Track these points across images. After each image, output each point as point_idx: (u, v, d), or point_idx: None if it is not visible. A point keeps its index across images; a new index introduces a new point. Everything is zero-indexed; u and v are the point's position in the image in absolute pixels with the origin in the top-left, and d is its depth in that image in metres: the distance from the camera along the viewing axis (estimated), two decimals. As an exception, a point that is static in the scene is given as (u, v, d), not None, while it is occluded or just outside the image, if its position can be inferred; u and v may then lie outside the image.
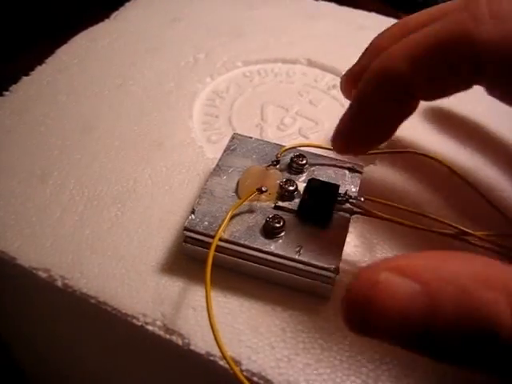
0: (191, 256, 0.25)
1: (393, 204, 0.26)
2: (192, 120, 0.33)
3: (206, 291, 0.21)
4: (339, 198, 0.25)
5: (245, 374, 0.22)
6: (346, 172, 0.27)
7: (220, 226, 0.23)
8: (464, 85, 0.23)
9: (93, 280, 0.25)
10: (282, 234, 0.24)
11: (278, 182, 0.26)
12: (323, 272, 0.23)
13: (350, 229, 0.26)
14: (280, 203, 0.25)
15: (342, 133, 0.26)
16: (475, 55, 0.21)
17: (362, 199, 0.25)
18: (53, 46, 0.39)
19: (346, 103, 0.35)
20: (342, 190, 0.25)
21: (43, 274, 0.25)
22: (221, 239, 0.23)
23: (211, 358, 0.22)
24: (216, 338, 0.20)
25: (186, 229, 0.24)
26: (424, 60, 0.22)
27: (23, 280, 0.27)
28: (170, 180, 0.29)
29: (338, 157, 0.28)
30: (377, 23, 0.43)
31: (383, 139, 0.26)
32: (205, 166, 0.30)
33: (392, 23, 0.41)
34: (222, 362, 0.22)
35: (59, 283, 0.25)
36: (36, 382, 0.44)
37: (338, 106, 0.35)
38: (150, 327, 0.23)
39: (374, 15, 0.45)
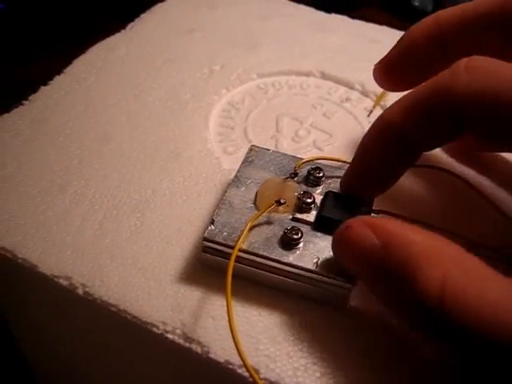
0: (209, 266, 0.25)
1: (407, 217, 0.26)
2: (208, 131, 0.34)
3: (227, 301, 0.22)
4: (355, 211, 0.25)
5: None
6: None
7: (240, 236, 0.24)
8: (452, 136, 0.24)
9: (113, 288, 0.25)
10: (300, 245, 0.24)
11: (296, 194, 0.26)
12: (340, 283, 0.23)
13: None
14: (297, 215, 0.25)
15: (349, 182, 0.27)
16: (454, 107, 0.23)
17: (378, 213, 0.26)
18: (70, 56, 0.40)
19: (359, 116, 0.36)
20: (357, 203, 0.26)
21: (64, 282, 0.26)
22: (240, 249, 0.24)
23: (230, 367, 0.23)
24: (237, 347, 0.21)
25: (205, 239, 0.25)
26: (414, 113, 0.24)
27: (44, 287, 0.27)
28: (188, 190, 0.30)
29: None
30: (388, 36, 0.44)
31: (385, 187, 0.26)
32: (221, 176, 0.30)
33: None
34: (240, 371, 0.23)
35: (80, 291, 0.25)
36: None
37: (351, 118, 0.35)
38: (169, 335, 0.24)
39: (385, 28, 0.45)
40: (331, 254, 0.24)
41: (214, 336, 0.23)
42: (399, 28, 0.45)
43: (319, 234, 0.25)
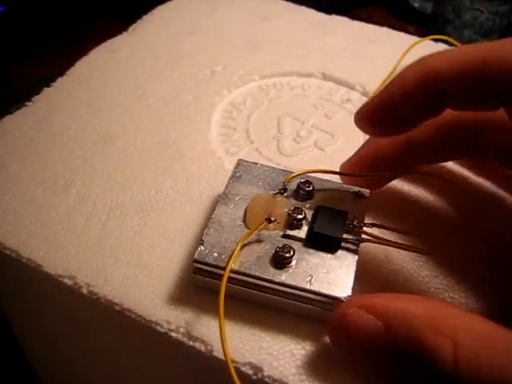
0: (201, 286, 0.25)
1: (400, 230, 0.26)
2: (210, 132, 0.34)
3: (220, 323, 0.21)
4: (347, 225, 0.25)
5: (266, 380, 0.22)
6: (353, 197, 0.27)
7: (230, 257, 0.23)
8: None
9: (117, 287, 0.25)
10: (293, 263, 0.24)
11: (286, 210, 0.25)
12: (336, 302, 0.23)
13: (361, 255, 0.26)
14: (289, 232, 0.25)
15: (368, 113, 0.25)
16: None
17: (370, 226, 0.25)
18: (72, 58, 0.40)
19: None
20: (350, 217, 0.25)
21: (69, 282, 0.26)
22: (231, 270, 0.23)
23: (234, 365, 0.23)
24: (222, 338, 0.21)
25: (195, 261, 0.24)
26: (463, 72, 0.22)
27: (48, 287, 0.27)
28: (191, 191, 0.30)
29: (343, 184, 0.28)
30: (388, 38, 0.44)
31: (403, 129, 0.25)
32: (224, 177, 0.30)
33: (402, 37, 0.42)
34: (244, 368, 0.23)
35: (84, 290, 0.25)
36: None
37: (352, 119, 0.35)
38: (173, 334, 0.24)
39: (385, 30, 0.45)
40: (325, 271, 0.24)
41: (218, 334, 0.23)
42: (399, 29, 0.46)
43: (311, 250, 0.24)
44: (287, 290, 0.23)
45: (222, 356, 0.23)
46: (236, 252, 0.23)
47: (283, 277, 0.23)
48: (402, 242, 0.26)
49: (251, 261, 0.24)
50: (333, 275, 0.24)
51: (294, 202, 0.26)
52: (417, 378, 0.20)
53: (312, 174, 0.27)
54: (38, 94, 0.37)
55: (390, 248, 0.26)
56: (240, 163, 0.28)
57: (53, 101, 0.36)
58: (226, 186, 0.27)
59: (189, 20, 0.45)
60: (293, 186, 0.27)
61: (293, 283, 0.23)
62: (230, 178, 0.27)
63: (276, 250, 0.24)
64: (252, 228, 0.24)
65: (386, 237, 0.25)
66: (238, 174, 0.28)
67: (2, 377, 0.48)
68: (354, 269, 0.24)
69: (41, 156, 0.32)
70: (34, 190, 0.30)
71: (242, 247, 0.24)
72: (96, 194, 0.30)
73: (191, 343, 0.24)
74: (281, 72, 0.39)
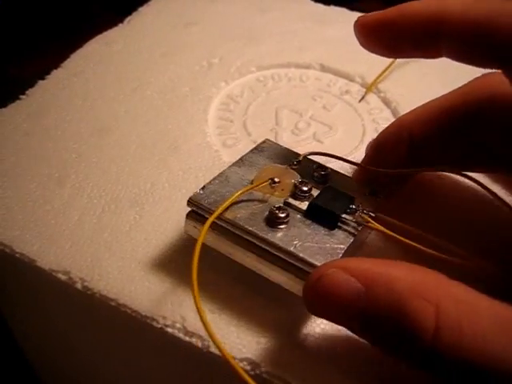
0: (190, 234, 0.25)
1: (404, 226, 0.24)
2: (207, 124, 0.33)
3: (193, 268, 0.20)
4: (350, 208, 0.24)
5: (264, 375, 0.22)
6: (367, 192, 0.26)
7: (223, 203, 0.23)
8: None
9: (112, 282, 0.25)
10: (284, 226, 0.23)
11: (294, 181, 0.25)
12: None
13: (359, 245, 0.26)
14: (291, 200, 0.25)
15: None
16: None
17: (373, 215, 0.24)
18: (68, 51, 0.40)
19: (359, 108, 0.35)
20: (356, 202, 0.25)
21: (63, 277, 0.25)
22: (222, 218, 0.23)
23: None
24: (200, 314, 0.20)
25: (190, 201, 0.24)
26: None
27: (42, 282, 0.27)
28: (187, 184, 0.29)
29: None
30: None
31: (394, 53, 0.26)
32: (221, 169, 0.30)
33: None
34: (241, 364, 0.22)
35: (79, 285, 0.25)
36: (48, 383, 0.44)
37: (351, 110, 0.35)
38: (169, 329, 0.23)
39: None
40: (314, 241, 0.23)
41: (214, 329, 0.23)
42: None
43: (308, 222, 0.24)
44: (271, 250, 0.23)
45: (219, 352, 0.22)
46: (230, 200, 0.23)
47: (270, 235, 0.23)
48: (398, 237, 0.24)
49: (245, 215, 0.23)
50: (320, 246, 0.23)
51: (309, 182, 0.25)
52: (395, 350, 0.19)
53: (331, 165, 0.27)
54: (32, 86, 0.36)
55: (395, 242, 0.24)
56: (266, 141, 0.28)
57: (47, 94, 0.36)
58: (246, 154, 0.27)
59: (185, 11, 0.44)
60: (309, 168, 0.26)
61: (278, 243, 0.23)
62: (252, 150, 0.27)
63: (271, 209, 0.23)
64: (255, 183, 0.24)
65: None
66: (260, 148, 0.28)
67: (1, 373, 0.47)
68: (345, 248, 0.23)
69: (35, 150, 0.32)
70: (27, 184, 0.29)
71: (241, 202, 0.24)
72: (91, 187, 0.29)
73: (187, 339, 0.23)
74: (279, 63, 0.39)
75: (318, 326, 0.23)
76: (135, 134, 0.32)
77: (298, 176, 0.26)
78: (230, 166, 0.26)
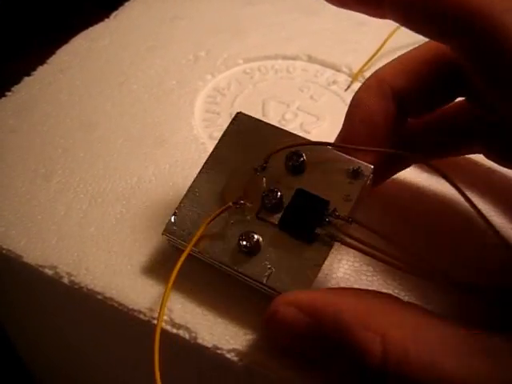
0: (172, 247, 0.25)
1: (383, 235, 0.22)
2: (194, 117, 0.33)
3: (163, 299, 0.21)
4: (325, 217, 0.23)
5: (252, 366, 0.22)
6: (349, 175, 0.24)
7: (191, 240, 0.23)
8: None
9: (99, 276, 0.25)
10: (257, 250, 0.23)
11: (262, 193, 0.24)
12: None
13: (334, 251, 0.25)
14: (263, 214, 0.24)
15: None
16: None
17: (350, 223, 0.23)
18: (53, 47, 0.40)
19: (347, 98, 0.35)
20: (331, 207, 0.23)
21: (49, 272, 0.25)
22: (193, 251, 0.23)
23: (218, 352, 0.22)
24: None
25: (164, 233, 0.24)
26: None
27: (30, 278, 0.27)
28: (174, 177, 0.29)
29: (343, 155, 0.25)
30: (374, 19, 0.43)
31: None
32: (207, 162, 0.30)
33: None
34: (228, 355, 0.22)
35: (65, 280, 0.25)
36: (42, 381, 0.44)
37: (338, 100, 0.35)
38: (156, 322, 0.23)
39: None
40: (287, 265, 0.22)
41: (202, 321, 0.23)
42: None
43: (283, 235, 0.23)
44: (246, 278, 0.23)
45: (206, 343, 0.23)
46: (196, 237, 0.23)
47: (243, 267, 0.23)
48: (377, 253, 0.22)
49: (217, 243, 0.23)
50: (294, 272, 0.22)
51: (284, 175, 0.24)
52: (348, 372, 0.20)
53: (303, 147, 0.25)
54: (18, 83, 0.36)
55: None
56: (239, 116, 0.26)
57: (33, 90, 0.36)
58: (216, 146, 0.25)
59: (171, 5, 0.44)
60: (283, 158, 0.24)
61: (250, 275, 0.23)
62: (225, 134, 0.26)
63: (239, 238, 0.23)
64: (221, 208, 0.24)
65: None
66: (233, 130, 0.26)
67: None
68: (320, 263, 0.22)
69: (21, 146, 0.31)
70: (13, 180, 0.29)
71: (212, 226, 0.24)
72: (77, 182, 0.29)
73: (175, 331, 0.23)
74: (265, 55, 0.39)
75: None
76: (122, 129, 0.32)
77: (263, 185, 0.24)
78: (199, 173, 0.25)
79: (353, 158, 0.24)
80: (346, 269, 0.25)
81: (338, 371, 0.20)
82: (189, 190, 0.25)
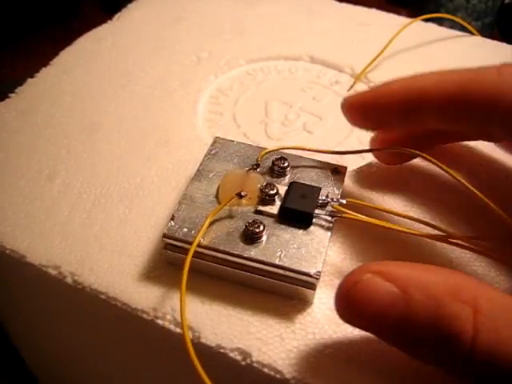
0: (172, 263, 0.25)
1: (375, 206, 0.26)
2: (197, 118, 0.33)
3: (181, 299, 0.21)
4: (320, 201, 0.25)
5: (255, 365, 0.22)
6: (329, 174, 0.27)
7: (198, 232, 0.23)
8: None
9: (102, 276, 0.25)
10: (263, 238, 0.24)
11: (259, 186, 0.25)
12: (304, 277, 0.23)
13: (335, 231, 0.26)
14: (260, 207, 0.25)
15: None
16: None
17: (344, 202, 0.25)
18: (56, 48, 0.40)
19: (350, 98, 0.35)
20: (323, 193, 0.25)
21: (53, 272, 0.25)
22: (200, 245, 0.23)
23: (221, 351, 0.22)
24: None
25: (165, 236, 0.24)
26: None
27: (33, 278, 0.27)
28: (177, 177, 0.29)
29: (321, 158, 0.28)
30: (377, 19, 0.44)
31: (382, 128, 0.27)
32: (210, 162, 0.30)
33: (393, 19, 0.42)
34: (232, 354, 0.22)
35: (69, 280, 0.25)
36: (45, 382, 0.44)
37: (341, 101, 0.35)
38: (160, 321, 0.23)
39: (374, 11, 0.45)
40: (295, 246, 0.23)
41: (205, 320, 0.23)
42: (388, 11, 0.45)
43: (283, 225, 0.24)
44: (257, 266, 0.23)
45: (210, 342, 0.23)
46: (204, 227, 0.23)
47: (252, 252, 0.23)
48: (374, 220, 0.24)
49: (221, 236, 0.24)
50: (303, 251, 0.23)
51: (268, 179, 0.26)
52: (433, 357, 0.19)
53: (288, 151, 0.27)
54: (21, 85, 0.36)
55: (366, 224, 0.24)
56: (216, 140, 0.28)
57: (37, 91, 0.36)
58: (201, 163, 0.27)
59: (174, 7, 0.44)
60: (268, 163, 0.27)
61: (262, 258, 0.23)
62: (206, 156, 0.27)
63: (246, 226, 0.24)
64: (222, 203, 0.24)
65: (361, 213, 0.24)
66: (213, 152, 0.28)
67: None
68: (326, 244, 0.24)
69: (25, 147, 0.31)
70: (17, 181, 0.29)
71: (213, 223, 0.24)
72: (80, 183, 0.29)
73: (178, 330, 0.23)
74: (268, 56, 0.39)
75: (309, 315, 0.23)
76: (124, 129, 0.32)
77: (261, 178, 0.26)
78: (190, 183, 0.26)
79: (329, 162, 0.27)
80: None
81: (421, 353, 0.19)
82: (183, 197, 0.25)
